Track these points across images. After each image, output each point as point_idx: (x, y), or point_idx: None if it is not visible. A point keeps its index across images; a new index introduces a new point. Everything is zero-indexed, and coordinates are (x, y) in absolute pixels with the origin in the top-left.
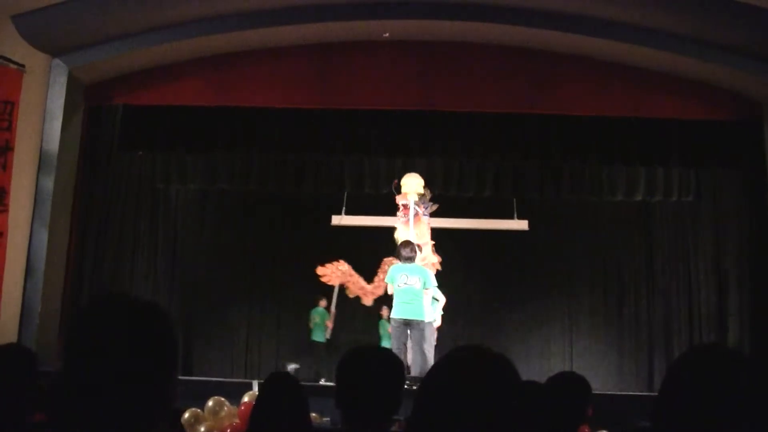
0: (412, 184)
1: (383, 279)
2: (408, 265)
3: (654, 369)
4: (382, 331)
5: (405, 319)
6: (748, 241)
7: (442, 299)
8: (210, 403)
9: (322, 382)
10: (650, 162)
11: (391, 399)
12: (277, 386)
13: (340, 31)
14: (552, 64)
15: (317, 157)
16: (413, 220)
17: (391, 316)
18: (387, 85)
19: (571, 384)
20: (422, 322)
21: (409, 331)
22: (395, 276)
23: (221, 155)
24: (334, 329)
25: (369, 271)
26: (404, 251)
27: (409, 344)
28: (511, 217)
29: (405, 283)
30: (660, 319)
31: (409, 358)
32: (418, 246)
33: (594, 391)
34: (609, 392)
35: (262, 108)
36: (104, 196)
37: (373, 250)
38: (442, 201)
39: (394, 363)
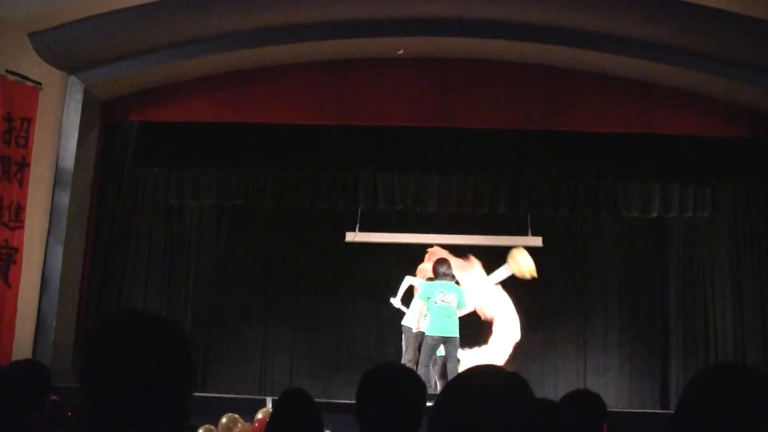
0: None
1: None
2: (444, 282)
3: (669, 386)
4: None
5: (443, 336)
6: (765, 258)
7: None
8: (224, 419)
9: None
10: (666, 178)
11: (410, 418)
12: (291, 403)
13: (356, 48)
14: (567, 80)
15: (331, 173)
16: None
17: (428, 333)
18: (402, 102)
19: (585, 402)
20: (457, 338)
21: (445, 348)
22: (433, 292)
23: (236, 171)
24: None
25: (386, 287)
26: (441, 268)
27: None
28: (525, 234)
29: (442, 300)
30: (675, 337)
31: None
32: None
33: (609, 409)
34: (624, 410)
35: (277, 124)
36: (119, 212)
37: (387, 267)
38: (456, 218)
39: (415, 382)
